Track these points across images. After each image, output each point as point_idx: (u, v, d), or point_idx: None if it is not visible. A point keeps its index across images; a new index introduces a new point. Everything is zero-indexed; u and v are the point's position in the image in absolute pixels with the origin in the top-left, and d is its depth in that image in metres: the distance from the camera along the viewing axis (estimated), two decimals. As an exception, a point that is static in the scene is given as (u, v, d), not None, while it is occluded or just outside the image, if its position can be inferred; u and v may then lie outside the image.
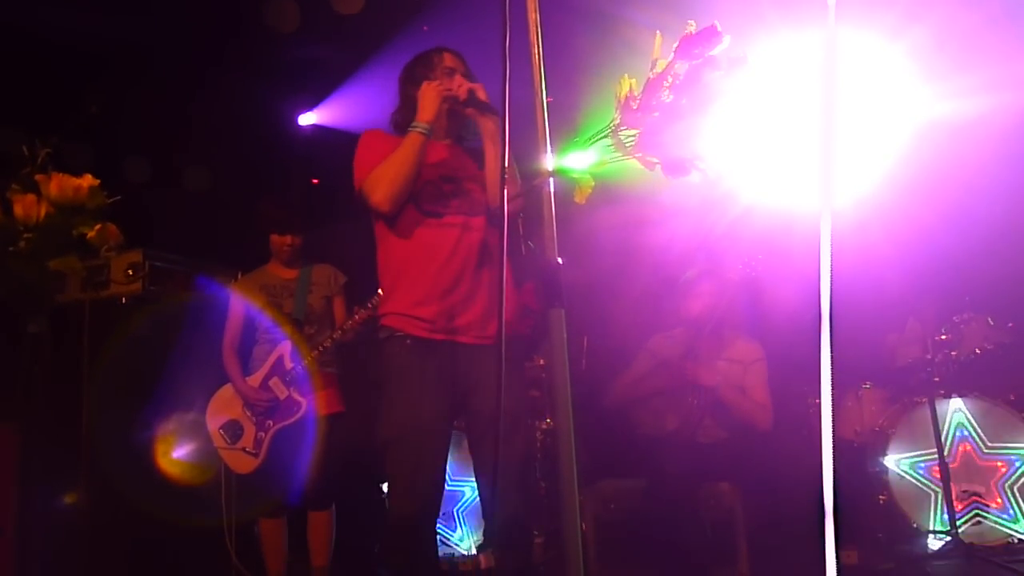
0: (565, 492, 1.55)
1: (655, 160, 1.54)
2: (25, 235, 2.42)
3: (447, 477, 2.59)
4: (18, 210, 2.40)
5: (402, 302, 2.35)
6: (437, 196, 2.38)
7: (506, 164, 1.69)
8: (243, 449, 3.55)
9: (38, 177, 2.40)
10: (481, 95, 2.37)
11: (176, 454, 3.86)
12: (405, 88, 2.54)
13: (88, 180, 2.49)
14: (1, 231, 2.37)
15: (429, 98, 2.36)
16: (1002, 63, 3.78)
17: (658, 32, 1.62)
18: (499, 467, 2.01)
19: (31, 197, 2.41)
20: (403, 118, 2.47)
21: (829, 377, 1.29)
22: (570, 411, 1.58)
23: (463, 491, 4.11)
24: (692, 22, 1.61)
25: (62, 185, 2.41)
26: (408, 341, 2.31)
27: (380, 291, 3.70)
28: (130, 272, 3.85)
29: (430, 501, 2.27)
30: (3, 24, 3.80)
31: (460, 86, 2.40)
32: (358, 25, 4.71)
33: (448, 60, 2.52)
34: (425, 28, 4.53)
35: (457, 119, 2.50)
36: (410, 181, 2.33)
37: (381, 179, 2.33)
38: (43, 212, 2.44)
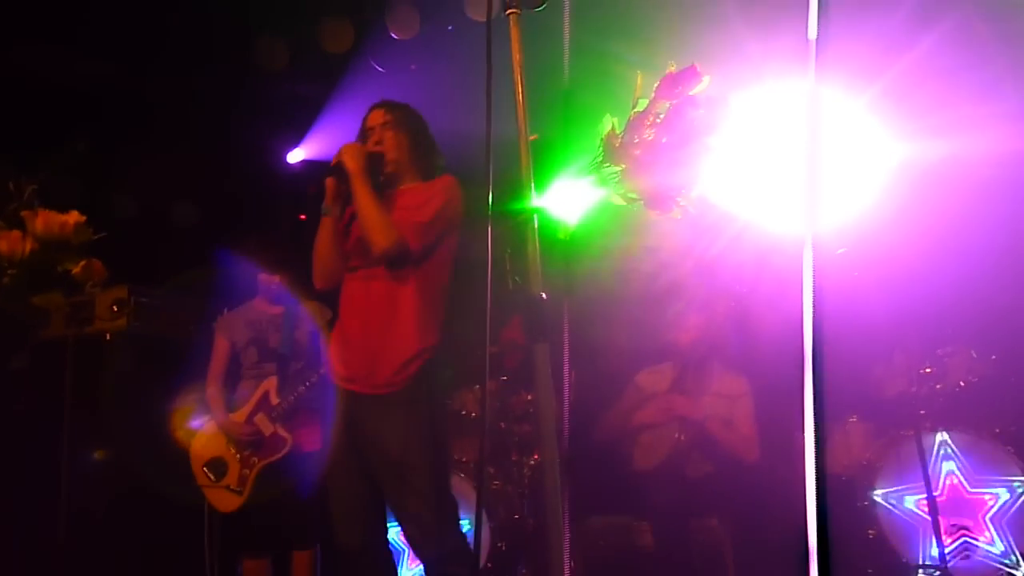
0: (551, 524, 1.54)
1: (636, 196, 1.56)
2: (9, 271, 2.41)
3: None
4: (3, 246, 2.40)
5: (331, 353, 2.60)
6: (360, 251, 2.56)
7: (491, 200, 1.70)
8: (227, 487, 3.50)
9: (24, 213, 2.40)
10: (344, 163, 2.51)
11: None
12: None
13: (74, 216, 2.49)
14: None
15: (327, 185, 2.59)
16: (980, 102, 3.87)
17: (639, 72, 1.66)
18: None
19: (16, 233, 2.40)
20: None
21: (812, 411, 1.29)
22: (555, 444, 1.57)
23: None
24: (672, 62, 1.65)
25: (48, 221, 2.41)
26: (331, 389, 2.56)
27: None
28: (115, 308, 3.83)
29: (362, 532, 2.45)
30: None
31: (338, 156, 2.55)
32: (343, 61, 4.78)
33: (370, 119, 2.70)
34: (413, 67, 4.60)
35: (371, 167, 2.60)
36: (324, 261, 2.59)
37: (313, 263, 2.62)
38: (28, 248, 2.44)
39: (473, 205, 2.58)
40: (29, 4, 3.91)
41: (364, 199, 2.47)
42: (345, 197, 2.60)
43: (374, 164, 2.60)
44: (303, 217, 5.47)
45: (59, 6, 3.96)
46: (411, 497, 2.39)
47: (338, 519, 2.48)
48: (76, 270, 2.52)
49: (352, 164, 2.52)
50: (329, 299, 3.95)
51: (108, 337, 4.01)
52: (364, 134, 2.68)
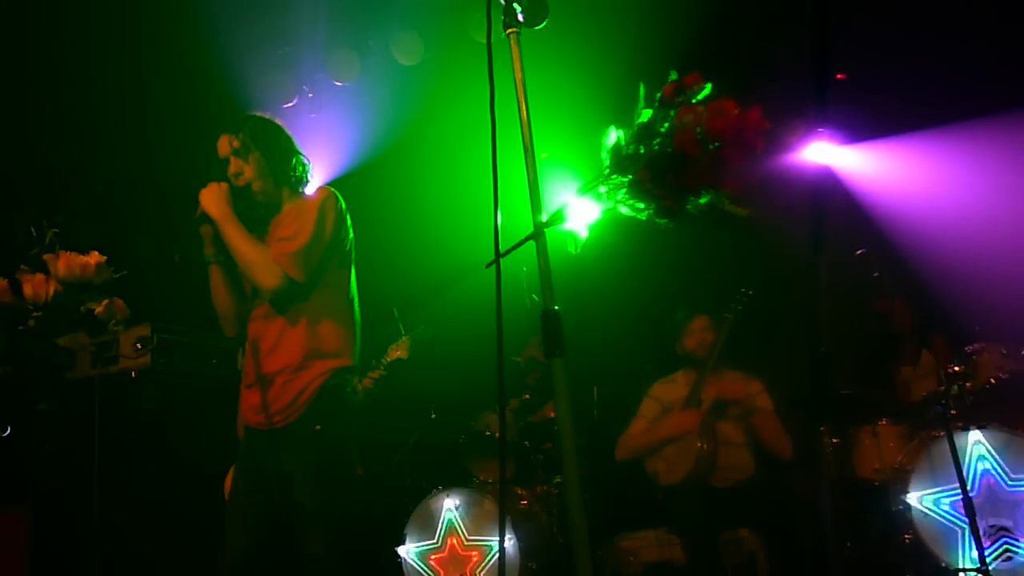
0: (577, 542, 1.53)
1: (644, 206, 1.56)
2: (34, 314, 2.46)
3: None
4: (27, 289, 2.44)
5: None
6: (260, 293, 2.51)
7: (498, 219, 1.71)
8: None
9: (46, 257, 2.44)
10: (205, 207, 2.42)
11: None
12: None
13: (95, 257, 2.53)
14: (11, 311, 2.40)
15: (204, 231, 2.50)
16: None
17: (641, 83, 1.67)
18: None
19: (40, 276, 2.45)
20: None
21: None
22: (576, 460, 1.56)
23: (480, 552, 4.04)
24: (673, 71, 1.66)
25: (69, 263, 2.46)
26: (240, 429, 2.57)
27: (388, 352, 3.76)
28: (139, 346, 3.87)
29: (242, 570, 2.39)
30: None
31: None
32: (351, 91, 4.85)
33: (221, 150, 2.51)
34: (309, 94, 4.69)
35: (243, 201, 2.50)
36: (222, 309, 2.55)
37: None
38: (51, 290, 2.48)
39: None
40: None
41: (236, 243, 2.39)
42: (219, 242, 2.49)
43: (244, 199, 2.47)
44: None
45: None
46: (311, 534, 2.34)
47: (227, 555, 2.39)
48: (99, 310, 2.56)
49: (214, 209, 2.41)
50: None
51: (133, 375, 4.05)
52: (221, 166, 2.51)
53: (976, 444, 3.61)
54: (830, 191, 5.07)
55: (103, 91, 4.18)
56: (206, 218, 2.43)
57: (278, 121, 2.61)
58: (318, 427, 2.39)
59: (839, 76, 4.80)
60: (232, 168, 2.48)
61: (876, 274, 4.23)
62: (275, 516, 2.42)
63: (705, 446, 3.25)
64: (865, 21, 4.42)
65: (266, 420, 2.41)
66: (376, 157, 5.16)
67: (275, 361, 2.43)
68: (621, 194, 1.60)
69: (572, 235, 1.69)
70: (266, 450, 2.42)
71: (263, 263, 2.38)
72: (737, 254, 4.62)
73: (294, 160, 2.55)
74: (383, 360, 3.66)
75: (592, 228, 1.66)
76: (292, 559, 2.39)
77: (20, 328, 2.41)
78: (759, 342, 3.67)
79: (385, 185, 5.14)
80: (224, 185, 2.45)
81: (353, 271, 2.60)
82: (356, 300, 2.60)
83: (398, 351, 3.72)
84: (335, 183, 5.59)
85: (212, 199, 2.42)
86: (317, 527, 2.34)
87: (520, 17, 1.76)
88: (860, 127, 4.98)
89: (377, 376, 3.62)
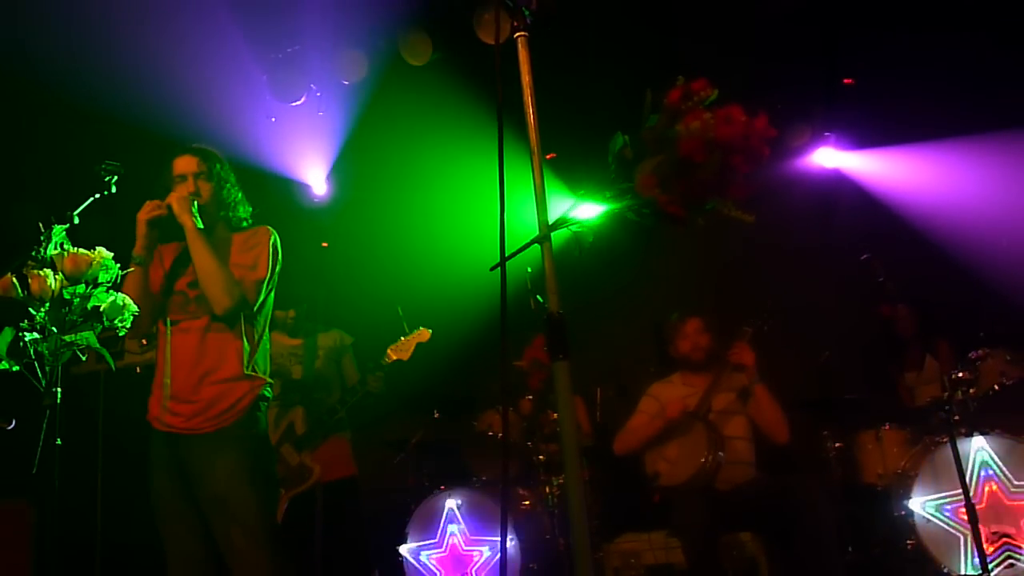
0: (578, 544, 1.53)
1: (650, 211, 1.57)
2: (41, 309, 2.46)
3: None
4: (34, 286, 2.45)
5: (151, 401, 2.60)
6: (181, 304, 2.57)
7: (503, 222, 1.71)
8: None
9: (52, 253, 2.45)
10: (176, 209, 2.50)
11: None
12: None
13: (101, 253, 2.54)
14: (17, 307, 2.41)
15: (139, 226, 2.54)
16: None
17: (648, 89, 1.67)
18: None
19: (46, 272, 2.46)
20: None
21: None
22: (579, 462, 1.57)
23: (481, 551, 4.04)
24: (681, 77, 1.66)
25: (76, 260, 2.47)
26: (152, 435, 2.58)
27: (389, 351, 3.76)
28: (144, 342, 3.89)
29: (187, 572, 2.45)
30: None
31: (166, 201, 2.53)
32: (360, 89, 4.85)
33: (178, 167, 2.63)
34: (317, 92, 4.70)
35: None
36: (144, 308, 2.47)
37: None
38: (58, 287, 2.49)
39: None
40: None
41: (207, 256, 2.48)
42: (155, 245, 2.58)
43: (202, 215, 2.56)
44: (324, 244, 5.55)
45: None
46: (237, 531, 2.41)
47: (173, 565, 2.47)
48: (105, 307, 2.58)
49: (188, 218, 2.49)
50: (349, 323, 4.01)
51: (138, 371, 4.07)
52: (171, 180, 2.61)
53: (979, 450, 3.61)
54: (840, 195, 5.09)
55: (114, 87, 4.20)
56: (160, 220, 2.51)
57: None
58: (246, 432, 2.53)
59: (847, 81, 4.80)
60: (190, 187, 2.59)
61: (880, 279, 4.22)
62: (206, 515, 2.48)
63: (711, 457, 3.24)
64: (874, 24, 4.43)
65: (199, 425, 2.48)
66: (381, 156, 5.18)
67: (216, 371, 2.52)
68: (627, 199, 1.60)
69: (577, 238, 1.69)
70: (192, 454, 2.48)
71: (226, 282, 2.50)
72: (740, 257, 4.62)
73: (245, 205, 2.72)
74: (382, 362, 3.67)
75: (597, 232, 1.67)
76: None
77: (26, 324, 2.43)
78: (765, 345, 3.66)
79: (391, 185, 5.16)
80: (188, 197, 2.54)
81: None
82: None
83: (398, 352, 3.73)
84: (337, 180, 5.62)
85: (185, 208, 2.50)
86: (239, 523, 2.42)
87: (528, 20, 1.76)
88: (869, 132, 4.98)
89: (379, 378, 3.63)
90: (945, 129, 4.56)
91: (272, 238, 2.67)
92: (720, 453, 3.30)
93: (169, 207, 2.51)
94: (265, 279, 2.59)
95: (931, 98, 4.40)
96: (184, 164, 2.62)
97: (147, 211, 2.52)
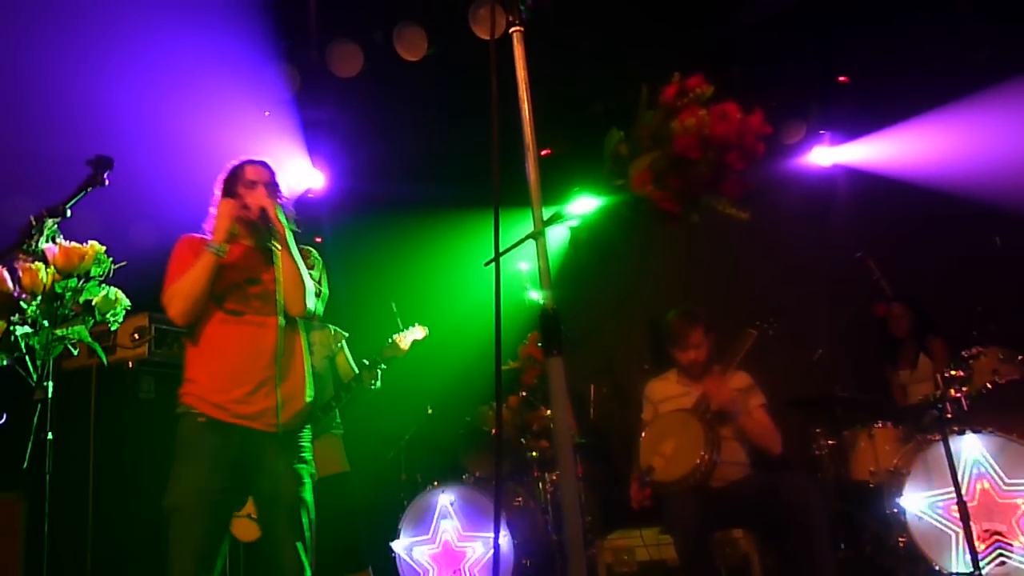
0: (571, 540, 1.53)
1: (645, 208, 1.56)
2: (33, 303, 2.46)
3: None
4: (26, 279, 2.44)
5: (201, 386, 2.51)
6: (240, 297, 2.56)
7: (498, 217, 1.70)
8: (248, 516, 3.51)
9: (45, 246, 2.44)
10: (271, 216, 2.55)
11: None
12: (217, 199, 2.69)
13: (94, 247, 2.54)
14: (8, 300, 2.40)
15: (221, 218, 2.55)
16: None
17: (644, 85, 1.66)
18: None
19: (38, 266, 2.45)
20: (211, 227, 2.61)
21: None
22: (572, 459, 1.57)
23: (474, 547, 4.05)
24: (677, 73, 1.66)
25: (68, 253, 2.46)
26: (201, 419, 2.47)
27: (387, 345, 3.75)
28: (136, 336, 3.87)
29: (205, 572, 2.39)
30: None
31: (254, 204, 2.57)
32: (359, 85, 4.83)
33: (249, 173, 2.68)
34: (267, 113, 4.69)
35: (259, 230, 2.62)
36: (201, 298, 2.50)
37: (176, 295, 2.50)
38: (50, 280, 2.48)
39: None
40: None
41: (295, 262, 2.56)
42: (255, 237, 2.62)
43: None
44: (319, 240, 5.55)
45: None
46: (291, 529, 2.43)
47: (187, 556, 2.38)
48: (97, 301, 2.57)
49: (280, 225, 2.56)
50: (344, 319, 4.00)
51: (131, 365, 4.04)
52: (247, 184, 2.65)
53: (971, 448, 3.62)
54: (835, 193, 5.09)
55: (105, 80, 4.17)
56: (258, 220, 2.55)
57: None
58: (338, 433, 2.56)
59: (841, 79, 4.80)
60: (263, 194, 2.63)
61: (875, 277, 4.23)
62: (265, 513, 2.48)
63: (707, 457, 3.23)
64: (868, 19, 4.43)
65: (274, 425, 2.47)
66: (378, 151, 5.16)
67: (294, 372, 2.57)
68: (622, 196, 1.59)
69: (572, 234, 1.69)
70: (263, 452, 2.46)
71: (309, 289, 2.60)
72: (734, 254, 4.63)
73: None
74: (378, 358, 3.66)
75: (591, 228, 1.66)
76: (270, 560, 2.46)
77: (17, 317, 2.42)
78: (759, 343, 3.65)
79: (386, 180, 5.15)
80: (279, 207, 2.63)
81: None
82: None
83: (393, 349, 3.72)
84: (332, 175, 5.61)
85: (277, 213, 2.58)
86: (303, 525, 2.45)
87: (524, 16, 1.75)
88: (863, 124, 4.98)
89: (376, 375, 3.63)
90: (931, 98, 4.55)
91: (315, 255, 2.86)
92: (717, 453, 3.30)
93: (263, 211, 2.55)
94: (324, 297, 2.76)
95: (917, 75, 4.40)
96: (255, 172, 2.68)
97: (236, 209, 2.55)
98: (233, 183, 2.66)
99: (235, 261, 2.59)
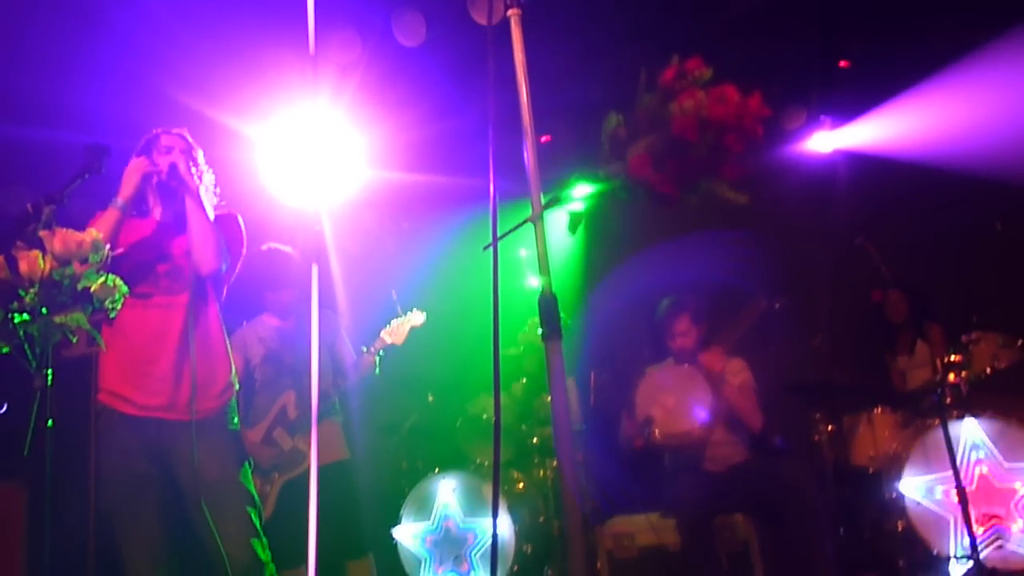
0: (572, 525, 1.53)
1: (643, 190, 1.56)
2: (30, 290, 2.45)
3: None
4: (23, 266, 2.43)
5: (112, 380, 2.46)
6: (147, 277, 2.48)
7: (495, 201, 1.70)
8: None
9: (42, 233, 2.43)
10: (180, 169, 2.48)
11: None
12: None
13: (91, 234, 2.52)
14: (5, 287, 2.39)
15: (128, 174, 2.49)
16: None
17: (643, 68, 1.65)
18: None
19: (35, 253, 2.44)
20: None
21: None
22: (571, 444, 1.57)
23: (474, 533, 4.06)
24: (676, 55, 1.65)
25: (65, 240, 2.44)
26: (116, 417, 2.43)
27: (382, 334, 3.75)
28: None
29: (159, 563, 2.37)
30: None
31: (163, 163, 2.51)
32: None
33: (164, 140, 2.62)
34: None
35: (170, 194, 2.57)
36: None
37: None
38: (47, 268, 2.47)
39: None
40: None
41: (204, 216, 2.47)
42: (133, 204, 2.52)
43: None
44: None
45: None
46: (229, 516, 2.38)
47: (138, 552, 2.37)
48: (95, 288, 2.56)
49: (190, 178, 2.49)
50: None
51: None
52: (161, 150, 2.57)
53: (970, 433, 3.63)
54: (835, 179, 5.08)
55: (105, 69, 4.15)
56: (166, 174, 2.48)
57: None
58: (230, 420, 2.50)
59: (842, 64, 4.78)
60: (166, 157, 2.56)
61: (874, 263, 4.23)
62: (188, 502, 2.41)
63: (710, 391, 3.22)
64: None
65: (187, 412, 2.39)
66: (372, 138, 5.13)
67: (210, 351, 2.49)
68: (621, 179, 1.59)
69: (571, 219, 1.69)
70: (181, 441, 2.39)
71: (218, 245, 2.49)
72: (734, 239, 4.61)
73: (212, 186, 2.71)
74: (375, 346, 3.67)
75: (590, 212, 1.66)
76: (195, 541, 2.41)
77: (15, 305, 2.41)
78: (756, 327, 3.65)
79: (383, 166, 5.12)
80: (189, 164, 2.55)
81: None
82: None
83: (391, 336, 3.72)
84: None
85: (187, 169, 2.50)
86: (235, 508, 2.40)
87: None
88: (861, 107, 4.96)
89: (375, 361, 3.63)
90: (930, 81, 4.52)
91: (241, 224, 2.71)
92: (721, 387, 3.31)
93: (172, 166, 2.48)
94: (240, 258, 2.64)
95: (916, 57, 4.37)
96: (170, 140, 2.61)
97: (145, 165, 2.49)
98: (148, 150, 2.60)
99: (143, 239, 2.53)
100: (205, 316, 2.52)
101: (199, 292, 2.50)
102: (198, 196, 2.50)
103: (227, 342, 2.57)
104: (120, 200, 2.44)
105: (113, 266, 2.39)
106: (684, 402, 3.39)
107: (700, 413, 3.34)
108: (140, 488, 2.37)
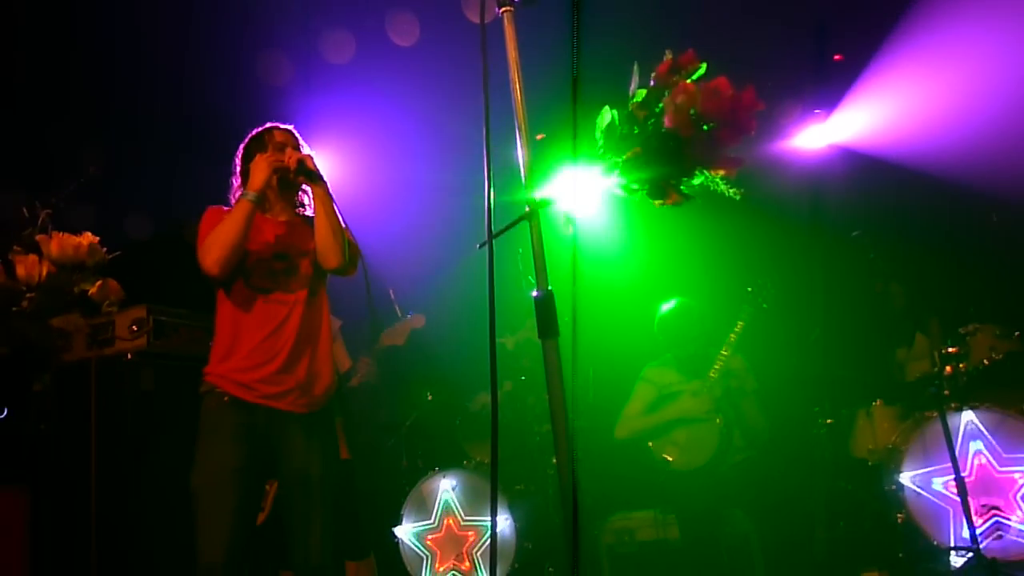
0: (571, 521, 1.54)
1: (638, 187, 1.56)
2: (28, 295, 2.46)
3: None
4: (20, 270, 2.45)
5: (226, 365, 2.47)
6: (267, 273, 2.51)
7: (489, 198, 1.70)
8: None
9: (39, 237, 2.44)
10: (310, 164, 2.51)
11: None
12: (243, 166, 2.65)
13: (88, 238, 2.53)
14: (3, 292, 2.40)
15: (259, 169, 2.49)
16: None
17: (636, 62, 1.66)
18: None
19: (32, 257, 2.45)
20: (234, 197, 2.59)
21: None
22: (569, 438, 1.57)
23: (476, 532, 4.06)
24: (669, 51, 1.65)
25: (62, 244, 2.46)
26: (225, 399, 2.44)
27: (382, 336, 3.75)
28: (134, 328, 3.85)
29: (234, 550, 2.35)
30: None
31: (290, 156, 2.52)
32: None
33: (278, 136, 2.65)
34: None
35: (292, 190, 2.62)
36: (238, 246, 2.42)
37: (213, 243, 2.43)
38: (45, 271, 2.48)
39: None
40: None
41: (334, 213, 2.49)
42: (283, 204, 2.58)
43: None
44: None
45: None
46: (320, 510, 2.42)
47: (215, 533, 2.35)
48: (92, 291, 2.57)
49: (320, 173, 2.51)
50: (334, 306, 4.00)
51: (129, 357, 4.04)
52: (276, 146, 2.60)
53: (969, 424, 3.64)
54: (831, 172, 5.08)
55: (100, 70, 4.15)
56: (295, 170, 2.50)
57: None
58: (338, 419, 2.54)
59: (836, 58, 4.78)
60: (288, 152, 2.58)
61: (871, 256, 4.24)
62: (288, 492, 2.44)
63: (721, 419, 3.23)
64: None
65: (300, 404, 2.44)
66: (371, 137, 5.14)
67: (321, 348, 2.52)
68: (614, 175, 1.59)
69: (566, 216, 1.69)
70: (289, 433, 2.43)
71: (344, 243, 2.49)
72: (733, 235, 4.61)
73: None
74: (375, 348, 3.67)
75: (586, 209, 1.66)
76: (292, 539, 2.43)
77: (14, 309, 2.42)
78: (756, 323, 3.66)
79: (381, 167, 5.12)
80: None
81: None
82: None
83: (391, 338, 3.72)
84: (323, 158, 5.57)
85: (315, 163, 2.52)
86: (327, 504, 2.43)
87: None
88: (855, 101, 4.96)
89: (372, 363, 3.64)
90: (925, 74, 4.52)
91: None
92: (732, 413, 3.33)
93: (301, 161, 2.49)
94: (358, 258, 2.64)
95: (910, 50, 4.37)
96: (282, 135, 2.64)
97: (273, 160, 2.50)
98: (260, 147, 2.62)
99: (264, 237, 2.55)
100: (320, 313, 2.55)
101: (315, 290, 2.54)
102: (329, 190, 2.50)
103: (334, 340, 2.60)
104: (252, 193, 2.44)
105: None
106: (699, 433, 3.42)
107: None
108: (238, 471, 2.37)
